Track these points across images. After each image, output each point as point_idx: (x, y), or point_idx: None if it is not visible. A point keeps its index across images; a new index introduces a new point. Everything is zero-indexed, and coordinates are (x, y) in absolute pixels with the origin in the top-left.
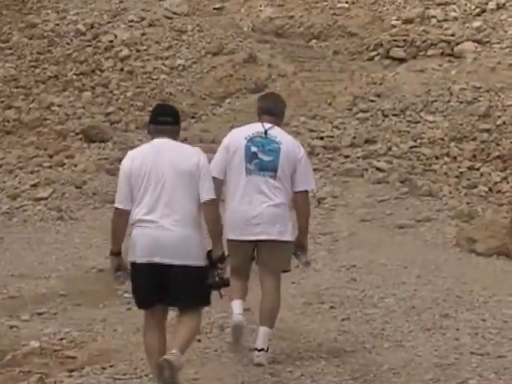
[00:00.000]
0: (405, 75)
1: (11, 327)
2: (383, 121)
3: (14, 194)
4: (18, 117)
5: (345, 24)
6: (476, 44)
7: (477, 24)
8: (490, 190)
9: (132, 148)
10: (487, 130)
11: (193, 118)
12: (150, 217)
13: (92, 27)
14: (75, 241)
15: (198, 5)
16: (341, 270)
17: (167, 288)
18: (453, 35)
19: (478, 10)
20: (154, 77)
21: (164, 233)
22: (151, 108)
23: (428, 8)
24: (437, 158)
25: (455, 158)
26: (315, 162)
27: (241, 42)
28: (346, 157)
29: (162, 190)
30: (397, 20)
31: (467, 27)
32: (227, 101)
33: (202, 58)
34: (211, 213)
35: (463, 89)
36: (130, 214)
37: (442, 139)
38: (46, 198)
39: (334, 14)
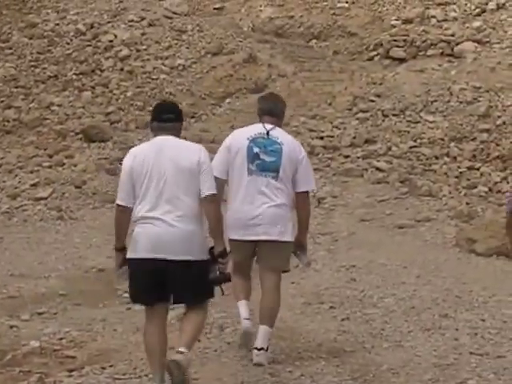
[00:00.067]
0: (405, 75)
1: (11, 327)
2: (383, 121)
3: (14, 193)
4: (18, 116)
5: (345, 24)
6: (476, 44)
7: (477, 24)
8: (490, 190)
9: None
10: (487, 130)
11: (193, 117)
12: (152, 213)
13: (92, 27)
14: (75, 240)
15: (197, 5)
16: (340, 270)
17: (168, 285)
18: (453, 35)
19: (477, 10)
20: (154, 77)
21: (167, 229)
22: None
23: (428, 8)
24: (437, 158)
25: (455, 158)
26: (315, 161)
27: (241, 41)
28: (346, 157)
29: (164, 186)
30: (397, 20)
31: (467, 27)
32: (227, 101)
33: (201, 57)
34: (212, 208)
35: (463, 89)
36: (132, 210)
37: (442, 139)
38: (45, 198)
39: (334, 13)
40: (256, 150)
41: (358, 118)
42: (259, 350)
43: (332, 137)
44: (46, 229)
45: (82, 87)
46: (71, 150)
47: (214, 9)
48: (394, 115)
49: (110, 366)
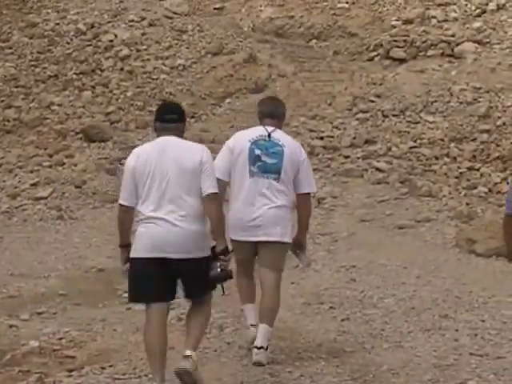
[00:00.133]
0: (405, 76)
1: (10, 326)
2: (383, 121)
3: (14, 193)
4: (18, 116)
5: (345, 24)
6: (476, 45)
7: (477, 25)
8: (490, 190)
9: (132, 148)
10: (487, 131)
11: (193, 117)
12: (155, 213)
13: (92, 27)
14: (75, 240)
15: (198, 5)
16: (340, 270)
17: (180, 278)
18: (453, 36)
19: (478, 10)
20: (154, 76)
21: (171, 229)
22: (151, 107)
23: (428, 8)
24: (437, 158)
25: (455, 158)
26: (315, 162)
27: (241, 42)
28: (346, 157)
29: (167, 186)
30: (397, 20)
31: (467, 28)
32: (227, 101)
33: (202, 57)
34: (213, 207)
35: (463, 89)
36: (135, 210)
37: (442, 140)
38: (45, 198)
39: (334, 14)
40: (257, 152)
41: (358, 119)
42: (259, 348)
43: (332, 137)
44: (46, 228)
45: (82, 87)
46: (71, 149)
47: (215, 9)
48: (394, 115)
49: (110, 366)
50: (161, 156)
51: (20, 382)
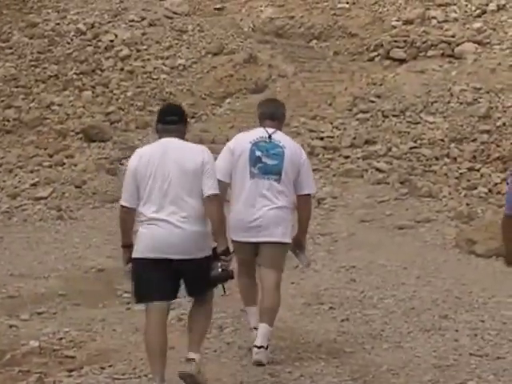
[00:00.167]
0: (405, 76)
1: (10, 327)
2: (383, 121)
3: (14, 193)
4: (18, 116)
5: (345, 24)
6: (476, 45)
7: (477, 25)
8: (490, 191)
9: (132, 148)
10: (487, 131)
11: (193, 117)
12: (157, 215)
13: (92, 27)
14: (75, 240)
15: (198, 5)
16: (340, 270)
17: (183, 278)
18: (453, 36)
19: (478, 11)
20: (155, 76)
21: (173, 230)
22: (151, 107)
23: (428, 9)
24: (437, 158)
25: (455, 158)
26: (315, 162)
27: (241, 42)
28: (346, 157)
29: (169, 188)
30: (397, 21)
31: (467, 28)
32: (227, 101)
33: (202, 57)
34: (214, 208)
35: (463, 90)
36: (137, 211)
37: (442, 140)
38: (45, 198)
39: (335, 14)
40: (258, 153)
41: (358, 119)
42: (259, 348)
43: (332, 137)
44: (46, 228)
45: (82, 87)
46: (71, 149)
47: (215, 9)
48: (394, 116)
49: (110, 366)
50: (162, 158)
51: (20, 381)
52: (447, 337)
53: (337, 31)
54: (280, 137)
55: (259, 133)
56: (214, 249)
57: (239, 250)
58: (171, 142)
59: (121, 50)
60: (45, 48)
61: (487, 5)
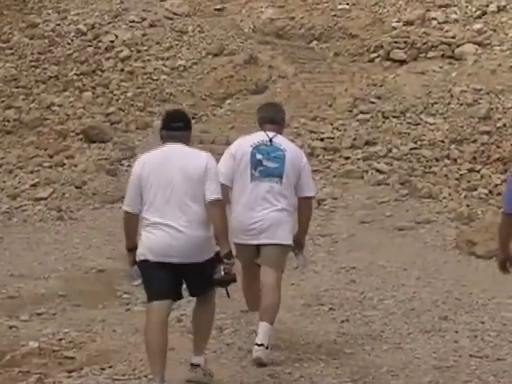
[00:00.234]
0: (405, 77)
1: (10, 327)
2: (383, 122)
3: (14, 193)
4: (19, 117)
5: (345, 25)
6: (477, 46)
7: (477, 26)
8: (490, 192)
9: (132, 148)
10: (487, 132)
11: (193, 118)
12: (161, 219)
13: (93, 27)
14: (75, 241)
15: (198, 5)
16: (340, 271)
17: (184, 279)
18: (453, 37)
19: (478, 12)
20: (155, 77)
21: (176, 235)
22: (151, 108)
23: (429, 10)
24: (437, 160)
25: (455, 160)
26: (315, 163)
27: (241, 43)
28: (346, 158)
29: (172, 193)
30: (397, 22)
31: (468, 29)
32: (227, 102)
33: (202, 58)
34: (216, 212)
35: (464, 91)
36: (141, 216)
37: (443, 141)
38: (45, 198)
39: (335, 15)
40: (259, 156)
41: (358, 120)
42: (259, 345)
43: (332, 138)
44: (46, 229)
45: (82, 87)
46: (71, 150)
47: (215, 10)
48: (394, 117)
49: (110, 366)
50: (166, 163)
51: (20, 382)
52: (447, 338)
53: (337, 32)
54: (281, 140)
55: (260, 137)
56: (217, 252)
57: (241, 252)
58: (175, 148)
59: (121, 51)
60: (45, 48)
61: (487, 6)
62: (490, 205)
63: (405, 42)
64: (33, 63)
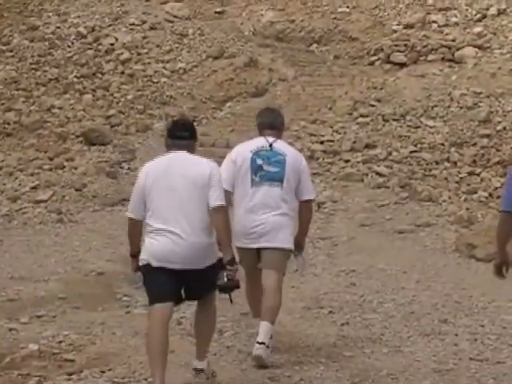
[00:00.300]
0: (405, 80)
1: (10, 330)
2: (383, 125)
3: (14, 196)
4: (19, 119)
5: (346, 29)
6: (477, 49)
7: (477, 29)
8: (490, 195)
9: (132, 151)
10: (487, 136)
11: (193, 121)
12: (164, 226)
13: (93, 30)
14: (75, 243)
15: (199, 8)
16: (340, 274)
17: (184, 285)
18: (453, 40)
19: (478, 15)
20: (155, 80)
21: (178, 241)
22: (151, 110)
23: (429, 13)
24: (437, 163)
25: (455, 163)
26: (315, 166)
27: (242, 45)
28: (346, 161)
29: (175, 200)
30: (398, 25)
31: (468, 33)
32: (228, 104)
33: (202, 61)
34: (220, 219)
35: (464, 94)
36: (143, 222)
37: (443, 144)
38: (45, 201)
39: (335, 18)
40: (259, 161)
41: (358, 123)
42: (260, 344)
43: (332, 141)
44: (46, 232)
45: (82, 90)
46: (71, 152)
47: (215, 13)
48: (394, 120)
49: (109, 369)
50: (169, 171)
51: None
52: (447, 341)
53: (337, 35)
54: (281, 145)
55: (260, 142)
56: (221, 259)
57: (243, 256)
58: (179, 156)
59: (121, 54)
60: (45, 51)
61: (487, 9)
62: (490, 208)
63: (405, 45)
64: (33, 66)
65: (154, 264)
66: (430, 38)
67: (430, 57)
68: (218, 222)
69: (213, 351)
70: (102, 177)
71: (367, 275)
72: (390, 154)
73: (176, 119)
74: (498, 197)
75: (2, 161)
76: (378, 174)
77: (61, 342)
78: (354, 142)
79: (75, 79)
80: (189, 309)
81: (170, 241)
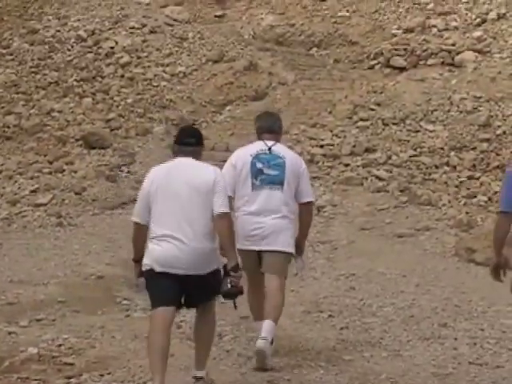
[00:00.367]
0: (405, 84)
1: (9, 333)
2: (383, 129)
3: (14, 199)
4: (18, 122)
5: (345, 32)
6: (476, 54)
7: (477, 34)
8: (490, 199)
9: (132, 155)
10: (487, 140)
11: (193, 125)
12: (167, 232)
13: (93, 33)
14: (74, 247)
15: (199, 12)
16: (340, 278)
17: (185, 292)
18: (453, 45)
19: (478, 19)
20: (155, 83)
21: (181, 247)
22: (151, 114)
23: (429, 17)
24: (436, 167)
25: (455, 167)
26: (315, 170)
27: (241, 49)
28: (346, 165)
29: (179, 206)
30: (397, 29)
31: (468, 37)
32: (227, 108)
33: (202, 65)
34: (224, 225)
35: (463, 98)
36: (149, 227)
37: (442, 148)
38: (45, 204)
39: (335, 22)
40: (259, 165)
41: (358, 127)
42: (263, 339)
43: (332, 145)
44: (46, 235)
45: (82, 94)
46: (71, 156)
47: (215, 16)
48: (394, 124)
49: (108, 373)
50: (173, 177)
51: None
52: (446, 345)
53: (337, 39)
54: (280, 148)
55: (259, 146)
56: (225, 265)
57: (244, 259)
58: (184, 162)
59: (121, 57)
60: (45, 54)
61: (487, 14)
62: (490, 212)
63: (405, 50)
64: (33, 69)
65: (157, 269)
66: (429, 42)
67: (430, 61)
68: (222, 228)
69: (212, 355)
70: (102, 180)
71: (367, 279)
72: (389, 157)
73: (183, 126)
74: (498, 201)
75: (2, 164)
76: (377, 177)
77: (60, 345)
78: (354, 146)
79: (75, 83)
80: (189, 312)
81: (172, 246)
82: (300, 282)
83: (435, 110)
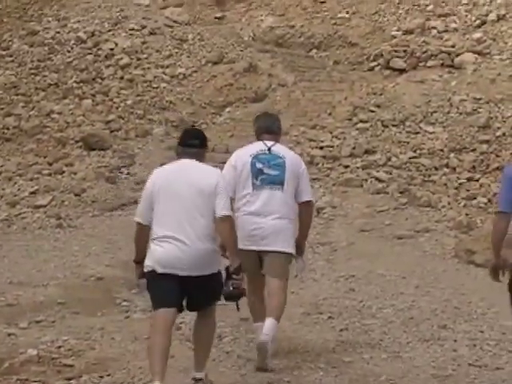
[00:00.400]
0: (405, 86)
1: (9, 335)
2: (383, 131)
3: (13, 201)
4: (18, 124)
5: (345, 34)
6: (476, 55)
7: (477, 35)
8: (490, 201)
9: (131, 156)
10: (487, 141)
11: (193, 126)
12: (169, 233)
13: (93, 35)
14: (74, 249)
15: (198, 14)
16: (339, 280)
17: (187, 294)
18: (453, 46)
19: (478, 21)
20: (155, 85)
21: (183, 248)
22: (151, 115)
23: (428, 19)
24: (436, 168)
25: (454, 168)
26: (314, 171)
27: (241, 51)
28: (346, 167)
29: (181, 207)
30: (397, 31)
31: (467, 38)
32: (227, 110)
33: (202, 66)
34: (226, 228)
35: (463, 100)
36: (151, 228)
37: (442, 150)
38: (45, 206)
39: (335, 23)
40: (259, 165)
41: (357, 129)
42: (265, 334)
43: (332, 147)
44: (45, 237)
45: (82, 95)
46: (71, 157)
47: (215, 18)
48: (393, 126)
49: (108, 374)
50: (176, 178)
51: None
52: (446, 347)
53: (337, 41)
54: (279, 148)
55: (259, 146)
56: (227, 268)
57: (244, 259)
58: (188, 164)
59: (121, 59)
60: (45, 56)
61: (487, 15)
62: (489, 214)
63: (404, 51)
64: (32, 71)
65: (159, 270)
66: (429, 43)
67: (430, 62)
68: (224, 231)
69: (212, 357)
70: (102, 182)
71: (366, 280)
72: (389, 159)
73: (187, 128)
74: (497, 202)
75: (2, 166)
76: (377, 179)
77: (60, 347)
78: (354, 148)
79: (75, 84)
80: (188, 314)
81: (174, 247)
82: (300, 283)
83: (435, 112)
